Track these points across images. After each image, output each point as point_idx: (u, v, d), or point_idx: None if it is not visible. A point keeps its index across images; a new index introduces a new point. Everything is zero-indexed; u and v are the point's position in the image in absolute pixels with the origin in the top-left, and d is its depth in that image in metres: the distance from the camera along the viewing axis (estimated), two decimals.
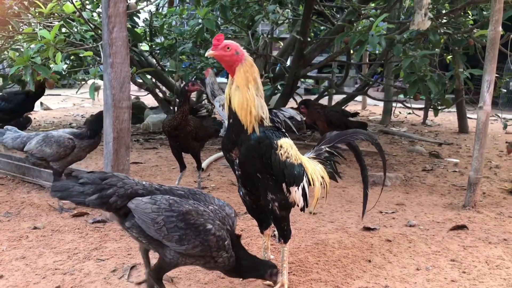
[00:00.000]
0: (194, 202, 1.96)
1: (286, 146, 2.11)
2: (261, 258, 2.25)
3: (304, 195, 2.21)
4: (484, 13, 5.25)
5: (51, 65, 4.33)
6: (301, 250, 2.71)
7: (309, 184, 2.25)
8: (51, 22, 4.80)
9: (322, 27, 7.57)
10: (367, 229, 3.07)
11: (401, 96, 7.10)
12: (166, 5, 6.27)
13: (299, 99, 6.94)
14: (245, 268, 2.05)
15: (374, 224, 3.16)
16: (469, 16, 5.76)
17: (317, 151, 2.47)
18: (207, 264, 1.98)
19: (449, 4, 5.66)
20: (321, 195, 2.34)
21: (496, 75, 3.99)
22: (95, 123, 3.38)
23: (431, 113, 7.04)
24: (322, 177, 2.35)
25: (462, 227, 3.10)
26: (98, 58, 5.56)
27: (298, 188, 2.16)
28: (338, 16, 7.05)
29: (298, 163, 2.16)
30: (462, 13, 5.34)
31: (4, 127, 3.52)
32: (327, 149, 2.46)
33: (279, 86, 6.35)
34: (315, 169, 2.32)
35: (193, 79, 5.27)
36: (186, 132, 3.54)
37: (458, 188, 4.10)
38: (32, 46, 4.30)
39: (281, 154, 2.08)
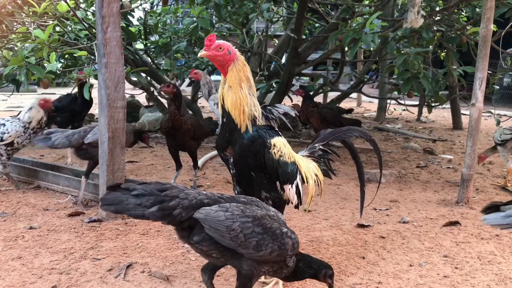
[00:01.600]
0: (260, 208, 1.89)
1: (279, 145, 2.14)
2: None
3: (298, 192, 2.23)
4: (477, 10, 5.29)
5: (45, 65, 4.34)
6: None
7: (303, 182, 2.27)
8: (45, 21, 4.79)
9: (316, 25, 7.60)
10: (361, 226, 3.10)
11: (396, 93, 7.14)
12: (160, 3, 6.27)
13: (294, 97, 6.98)
14: (302, 269, 1.97)
15: (368, 221, 3.19)
16: (462, 13, 5.80)
17: (311, 149, 2.49)
18: (279, 270, 1.90)
19: (442, 2, 5.69)
20: (315, 192, 2.36)
21: (489, 71, 4.03)
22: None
23: (425, 109, 7.08)
24: (316, 175, 2.37)
25: (455, 223, 3.14)
26: (92, 57, 5.57)
27: (291, 186, 2.19)
28: (333, 13, 7.08)
29: (291, 161, 2.19)
30: (455, 11, 5.38)
31: (44, 131, 3.52)
32: (321, 147, 2.48)
33: (274, 84, 6.37)
34: (308, 167, 2.34)
35: (186, 78, 5.31)
36: (184, 131, 3.58)
37: (451, 185, 4.14)
38: (26, 45, 4.31)
39: (274, 153, 2.12)
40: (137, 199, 1.74)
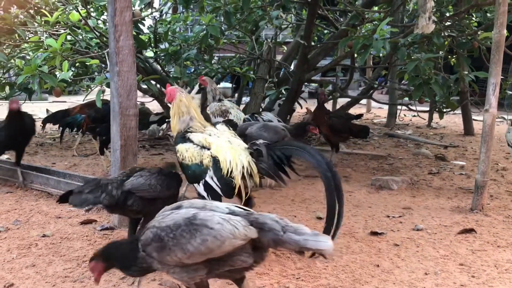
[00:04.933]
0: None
1: (181, 150, 2.54)
2: None
3: (208, 189, 2.46)
4: (488, 15, 5.26)
5: (56, 73, 4.37)
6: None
7: (228, 175, 2.42)
8: (57, 30, 4.84)
9: (325, 31, 7.60)
10: (375, 233, 3.07)
11: (406, 99, 7.11)
12: (170, 11, 6.31)
13: (303, 103, 6.97)
14: None
15: (381, 228, 3.16)
16: (473, 18, 5.77)
17: (253, 143, 2.55)
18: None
19: (453, 7, 5.67)
20: (249, 185, 2.46)
21: (501, 77, 3.99)
22: (299, 128, 4.18)
23: (436, 115, 7.03)
24: (245, 167, 2.43)
25: (470, 230, 3.10)
26: (103, 65, 5.61)
27: (199, 184, 2.49)
28: (342, 20, 7.07)
29: (194, 163, 2.49)
30: (466, 16, 5.35)
31: None
32: (261, 146, 2.48)
33: (283, 91, 6.37)
34: (236, 160, 2.43)
35: (196, 85, 5.34)
36: None
37: (465, 191, 4.09)
38: (38, 54, 4.35)
39: (178, 157, 2.56)
40: (91, 194, 2.30)
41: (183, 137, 2.58)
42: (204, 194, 2.47)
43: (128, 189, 2.36)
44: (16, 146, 4.09)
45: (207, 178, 2.46)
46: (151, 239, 1.76)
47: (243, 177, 2.43)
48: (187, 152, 2.51)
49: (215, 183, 2.45)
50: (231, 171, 2.43)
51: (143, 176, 2.41)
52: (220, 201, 2.40)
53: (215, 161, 2.46)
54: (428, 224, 3.26)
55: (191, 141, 2.54)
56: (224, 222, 1.72)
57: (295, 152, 2.41)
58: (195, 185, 2.51)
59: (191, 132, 2.59)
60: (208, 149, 2.50)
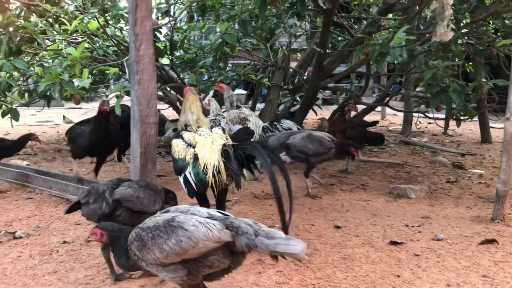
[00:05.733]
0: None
1: (173, 145, 2.84)
2: None
3: (186, 182, 2.70)
4: (507, 22, 5.21)
5: (74, 81, 4.43)
6: (328, 265, 2.70)
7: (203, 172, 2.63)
8: (75, 38, 4.92)
9: (339, 38, 7.59)
10: (394, 243, 3.04)
11: (423, 107, 7.06)
12: (185, 19, 6.36)
13: (318, 110, 6.96)
14: None
15: (400, 238, 3.13)
16: (490, 25, 5.72)
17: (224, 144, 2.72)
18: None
19: (470, 14, 5.62)
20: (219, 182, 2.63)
21: None
22: (341, 146, 4.07)
23: (452, 122, 6.96)
24: (216, 166, 2.61)
25: (492, 241, 3.05)
26: (120, 73, 5.67)
27: (180, 176, 2.76)
28: (356, 27, 7.06)
29: (179, 158, 2.75)
30: (483, 23, 5.30)
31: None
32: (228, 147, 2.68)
33: (298, 98, 6.37)
34: (210, 159, 2.63)
35: (211, 92, 5.37)
36: None
37: (484, 201, 4.03)
38: (59, 62, 4.42)
39: (171, 150, 2.84)
40: (96, 204, 2.46)
41: (178, 134, 2.91)
42: (183, 186, 2.74)
43: (117, 198, 2.46)
44: (98, 153, 4.20)
45: (187, 173, 2.71)
46: (134, 238, 1.96)
47: (214, 175, 2.62)
48: (177, 147, 2.81)
49: (192, 178, 2.69)
50: (206, 169, 2.63)
51: (132, 188, 2.51)
52: (195, 195, 2.72)
53: (196, 158, 2.69)
54: (448, 234, 3.22)
55: (182, 138, 2.84)
56: (200, 224, 1.85)
57: (250, 150, 2.60)
58: (178, 177, 2.78)
59: (186, 130, 2.92)
60: (194, 147, 2.74)
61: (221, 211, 2.03)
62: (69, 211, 2.62)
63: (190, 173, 2.69)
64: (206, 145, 2.71)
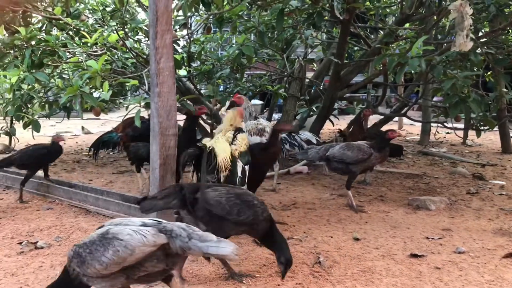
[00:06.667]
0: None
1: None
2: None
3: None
4: None
5: (95, 93, 4.50)
6: (348, 278, 2.67)
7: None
8: (95, 51, 5.01)
9: (356, 48, 7.58)
10: (415, 256, 2.99)
11: (442, 117, 6.99)
12: (199, 30, 6.44)
13: (335, 120, 6.93)
14: (276, 243, 2.54)
15: (421, 250, 3.08)
16: (510, 35, 5.65)
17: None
18: (253, 231, 2.58)
19: (489, 23, 5.57)
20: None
21: None
22: (382, 141, 4.01)
23: (471, 132, 6.86)
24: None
25: None
26: (138, 85, 5.75)
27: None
28: (373, 37, 7.04)
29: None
30: (502, 32, 5.24)
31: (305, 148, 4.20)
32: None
33: (314, 108, 6.36)
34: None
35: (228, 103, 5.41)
36: None
37: (507, 213, 3.95)
38: (78, 74, 4.50)
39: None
40: (161, 200, 2.51)
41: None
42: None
43: (197, 197, 2.53)
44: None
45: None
46: (72, 256, 2.00)
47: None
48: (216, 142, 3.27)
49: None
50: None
51: (217, 192, 2.54)
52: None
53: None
54: (470, 247, 3.16)
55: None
56: (134, 233, 1.94)
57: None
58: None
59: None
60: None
61: (154, 218, 2.13)
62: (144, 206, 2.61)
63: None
64: (217, 145, 3.21)
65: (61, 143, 4.35)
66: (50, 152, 4.31)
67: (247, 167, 3.25)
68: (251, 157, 3.39)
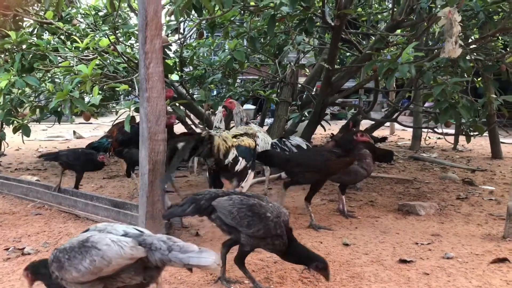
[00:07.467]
0: (258, 200, 2.52)
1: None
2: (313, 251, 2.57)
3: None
4: None
5: (86, 98, 4.48)
6: (337, 284, 2.67)
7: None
8: (86, 56, 5.00)
9: (347, 54, 7.62)
10: (403, 261, 3.00)
11: (432, 122, 7.03)
12: (194, 36, 6.44)
13: (326, 125, 6.95)
14: (297, 254, 2.47)
15: (410, 256, 3.09)
16: (499, 41, 5.70)
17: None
18: (268, 246, 2.45)
19: (479, 30, 5.62)
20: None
21: None
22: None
23: (461, 137, 6.91)
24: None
25: (503, 260, 2.99)
26: (129, 89, 5.73)
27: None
28: (364, 43, 7.08)
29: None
30: (491, 38, 5.29)
31: None
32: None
33: (306, 113, 6.38)
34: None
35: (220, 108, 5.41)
36: None
37: (495, 218, 3.98)
38: (69, 79, 4.49)
39: None
40: (180, 207, 2.57)
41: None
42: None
43: (212, 204, 2.53)
44: None
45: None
46: (52, 260, 2.03)
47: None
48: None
49: None
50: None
51: (230, 201, 2.50)
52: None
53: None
54: (459, 252, 3.18)
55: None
56: (112, 243, 1.93)
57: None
58: None
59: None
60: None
61: (137, 227, 2.11)
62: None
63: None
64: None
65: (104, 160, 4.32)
66: (95, 162, 4.27)
67: (243, 161, 3.44)
68: (322, 163, 3.58)
